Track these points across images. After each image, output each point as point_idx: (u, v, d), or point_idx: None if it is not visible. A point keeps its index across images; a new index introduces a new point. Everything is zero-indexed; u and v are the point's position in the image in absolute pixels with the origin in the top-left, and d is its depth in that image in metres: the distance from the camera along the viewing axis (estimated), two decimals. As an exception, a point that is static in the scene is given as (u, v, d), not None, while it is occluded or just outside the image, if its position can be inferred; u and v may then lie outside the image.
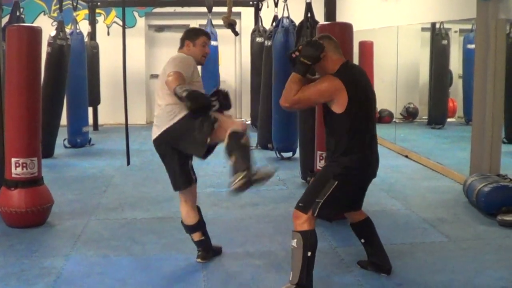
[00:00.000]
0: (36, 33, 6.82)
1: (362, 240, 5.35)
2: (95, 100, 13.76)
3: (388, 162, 10.35)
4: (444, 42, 13.16)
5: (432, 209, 7.48)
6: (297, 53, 4.90)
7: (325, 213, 4.88)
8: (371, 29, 13.44)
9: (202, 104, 5.03)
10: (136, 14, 15.46)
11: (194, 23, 15.64)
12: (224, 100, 5.40)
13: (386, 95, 13.74)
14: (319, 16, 7.95)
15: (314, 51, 4.79)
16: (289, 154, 10.65)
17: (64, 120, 11.39)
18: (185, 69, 5.18)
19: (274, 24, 11.30)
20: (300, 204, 4.87)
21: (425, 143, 12.40)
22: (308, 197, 4.86)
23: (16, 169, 6.61)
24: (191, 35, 5.57)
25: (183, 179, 5.43)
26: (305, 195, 4.92)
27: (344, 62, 4.91)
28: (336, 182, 4.75)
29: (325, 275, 5.37)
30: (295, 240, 4.79)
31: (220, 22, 9.81)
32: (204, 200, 7.80)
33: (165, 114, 5.26)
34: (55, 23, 13.01)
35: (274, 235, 6.52)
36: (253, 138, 12.18)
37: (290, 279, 4.82)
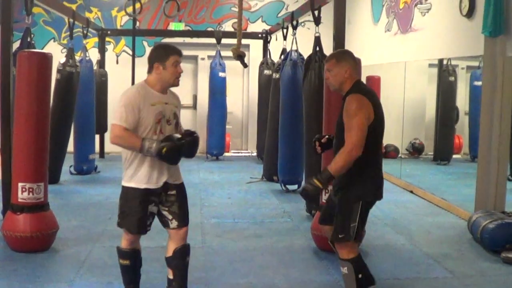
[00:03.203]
0: (46, 59, 6.89)
1: None
2: (102, 128, 13.79)
3: (393, 197, 10.36)
4: (451, 78, 13.19)
5: (436, 245, 7.46)
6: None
7: (360, 233, 5.01)
8: (378, 64, 13.51)
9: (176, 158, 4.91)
10: (145, 43, 15.57)
11: (203, 54, 15.82)
12: (188, 146, 4.96)
13: (392, 130, 13.74)
14: (328, 50, 7.98)
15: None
16: (295, 186, 10.65)
17: (71, 146, 11.44)
18: (127, 118, 4.78)
19: (282, 56, 11.37)
20: (340, 236, 4.94)
21: (430, 179, 12.39)
22: (343, 226, 4.93)
23: (23, 193, 6.63)
24: (159, 55, 4.93)
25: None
26: (340, 225, 4.97)
27: (357, 80, 5.06)
28: (361, 202, 4.88)
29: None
30: (346, 268, 4.95)
31: (229, 53, 9.91)
32: (208, 231, 7.82)
33: (122, 163, 5.09)
34: (64, 50, 13.12)
35: (278, 267, 6.51)
36: (259, 170, 12.23)
37: None
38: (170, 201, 5.10)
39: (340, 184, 5.03)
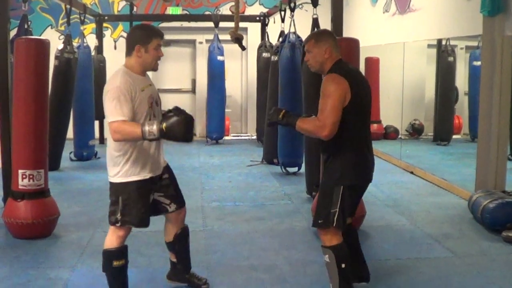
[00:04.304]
0: (44, 45, 6.87)
1: None
2: (101, 114, 13.72)
3: (393, 178, 10.38)
4: (450, 59, 13.17)
5: (437, 225, 7.48)
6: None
7: (343, 221, 4.81)
8: (377, 45, 13.48)
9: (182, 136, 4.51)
10: (143, 28, 15.51)
11: (201, 38, 15.79)
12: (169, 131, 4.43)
13: (392, 112, 13.76)
14: (326, 31, 7.97)
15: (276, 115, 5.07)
16: (295, 169, 10.66)
17: (70, 133, 11.43)
18: (123, 110, 4.48)
19: (280, 39, 11.34)
20: (319, 222, 4.83)
21: (430, 160, 12.39)
22: (323, 211, 4.81)
23: (23, 180, 6.64)
24: (141, 37, 4.67)
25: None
26: (319, 210, 4.87)
27: (339, 59, 4.90)
28: (341, 187, 4.73)
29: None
30: (327, 255, 4.82)
31: (227, 37, 9.90)
32: (209, 214, 7.83)
33: (109, 159, 4.79)
34: (62, 36, 13.09)
35: (279, 249, 6.53)
36: (259, 153, 12.24)
37: None
38: (165, 185, 4.99)
39: (324, 168, 4.99)
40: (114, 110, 4.48)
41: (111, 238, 4.82)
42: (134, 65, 4.71)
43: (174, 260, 5.33)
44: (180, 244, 5.25)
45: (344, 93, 4.62)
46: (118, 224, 4.75)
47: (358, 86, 4.76)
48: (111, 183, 4.79)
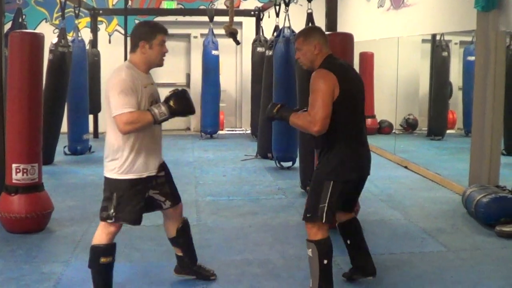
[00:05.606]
0: (38, 39, 6.84)
1: (348, 242, 5.27)
2: (95, 108, 13.74)
3: (387, 172, 10.38)
4: (445, 53, 13.19)
5: (431, 219, 7.49)
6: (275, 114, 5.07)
7: (332, 216, 4.81)
8: (371, 40, 13.49)
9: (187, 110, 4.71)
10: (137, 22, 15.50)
11: (196, 32, 15.77)
12: (177, 105, 4.61)
13: (386, 106, 13.78)
14: (320, 26, 7.96)
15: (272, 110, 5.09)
16: (289, 163, 10.66)
17: (64, 127, 11.40)
18: (130, 101, 4.44)
19: (275, 34, 11.34)
20: (307, 215, 4.83)
21: (424, 154, 12.42)
22: (312, 205, 4.81)
23: (17, 174, 6.61)
24: (146, 33, 4.63)
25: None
26: (308, 204, 4.88)
27: (329, 54, 4.90)
28: (332, 182, 4.73)
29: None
30: (310, 250, 4.79)
31: (222, 31, 9.90)
32: (203, 209, 7.83)
33: (107, 153, 4.73)
34: (56, 30, 13.07)
35: (273, 244, 6.53)
36: (253, 147, 12.24)
37: (311, 286, 4.86)
38: (161, 183, 4.95)
39: (318, 162, 4.99)
40: (122, 102, 4.43)
41: (101, 234, 4.79)
42: (139, 62, 4.67)
43: (180, 254, 5.33)
44: (183, 238, 5.26)
45: (332, 87, 4.62)
46: (110, 221, 4.71)
47: (348, 81, 4.76)
48: (106, 178, 4.75)
